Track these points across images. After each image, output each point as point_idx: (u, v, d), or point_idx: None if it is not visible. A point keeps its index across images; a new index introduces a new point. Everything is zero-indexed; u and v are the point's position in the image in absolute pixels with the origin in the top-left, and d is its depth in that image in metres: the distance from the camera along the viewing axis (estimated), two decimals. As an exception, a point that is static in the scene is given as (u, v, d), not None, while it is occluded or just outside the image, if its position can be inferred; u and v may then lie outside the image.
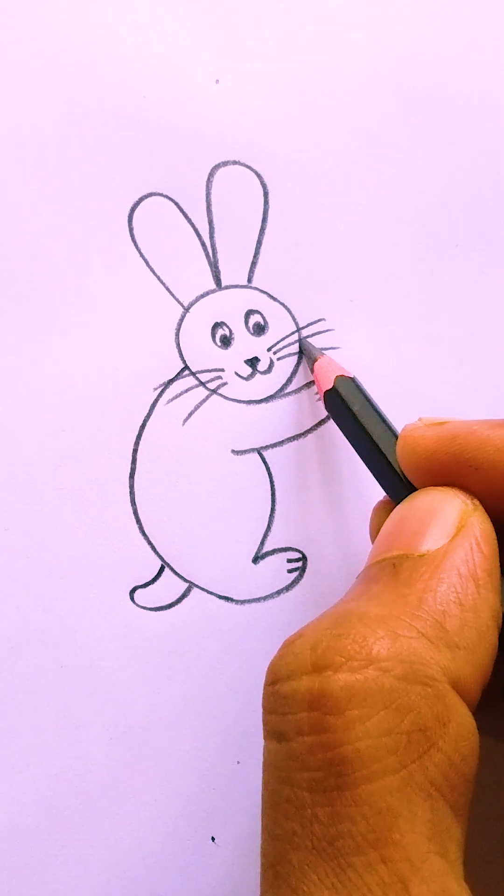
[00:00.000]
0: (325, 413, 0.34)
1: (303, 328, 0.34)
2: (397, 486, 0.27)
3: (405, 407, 0.35)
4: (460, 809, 0.21)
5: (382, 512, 0.29)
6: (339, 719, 0.20)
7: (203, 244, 0.34)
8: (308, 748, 0.21)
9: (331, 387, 0.31)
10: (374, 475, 0.29)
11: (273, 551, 0.33)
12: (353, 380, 0.31)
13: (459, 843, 0.21)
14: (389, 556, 0.24)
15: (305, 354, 0.34)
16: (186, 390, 0.33)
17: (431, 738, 0.21)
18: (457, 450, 0.25)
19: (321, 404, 0.34)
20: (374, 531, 0.29)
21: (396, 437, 0.28)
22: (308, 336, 0.34)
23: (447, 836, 0.20)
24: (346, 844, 0.20)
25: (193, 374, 0.33)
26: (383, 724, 0.20)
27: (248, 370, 0.34)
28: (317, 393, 0.33)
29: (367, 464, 0.30)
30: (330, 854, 0.20)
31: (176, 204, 0.33)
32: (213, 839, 0.32)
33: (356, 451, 0.30)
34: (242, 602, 0.33)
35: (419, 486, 0.26)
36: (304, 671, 0.21)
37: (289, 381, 0.34)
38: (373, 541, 0.30)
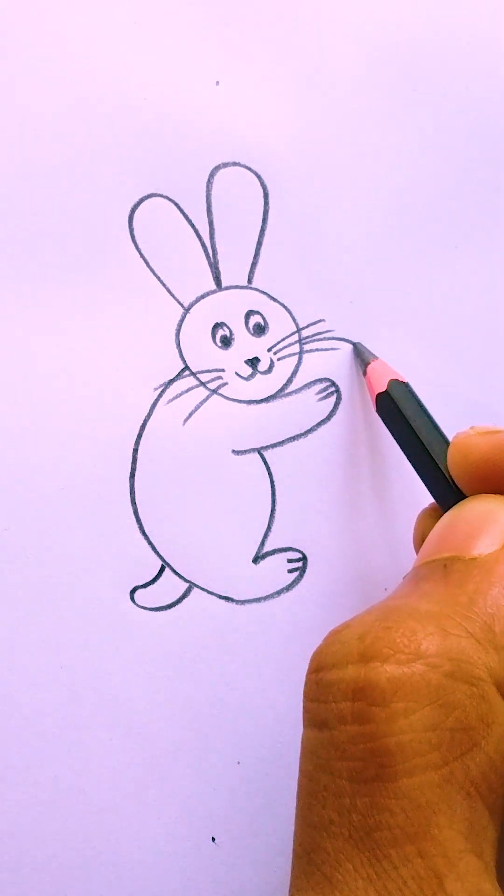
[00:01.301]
0: (325, 413, 0.34)
1: (303, 328, 0.34)
2: (447, 492, 0.27)
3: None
4: (497, 811, 0.21)
5: (429, 518, 0.29)
6: (383, 710, 0.20)
7: (203, 245, 0.34)
8: (350, 737, 0.21)
9: (384, 390, 0.31)
10: (423, 480, 0.29)
11: (273, 551, 0.33)
12: (406, 385, 0.32)
13: (494, 845, 0.21)
14: (440, 557, 0.24)
15: (358, 357, 0.34)
16: (187, 390, 0.33)
17: (474, 737, 0.21)
18: None
19: (321, 404, 0.34)
20: (419, 537, 0.30)
21: (447, 443, 0.28)
22: (307, 337, 0.34)
23: (483, 836, 0.20)
24: (384, 836, 0.20)
25: (194, 374, 0.33)
26: (428, 720, 0.20)
27: (248, 370, 0.34)
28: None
29: (416, 468, 0.30)
30: (367, 844, 0.20)
31: (176, 205, 0.34)
32: (213, 839, 0.32)
33: (406, 455, 0.31)
34: (242, 602, 0.33)
35: (469, 494, 0.26)
36: (351, 660, 0.21)
37: (289, 381, 0.34)
38: (416, 546, 0.30)
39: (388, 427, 0.32)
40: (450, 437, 0.28)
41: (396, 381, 0.31)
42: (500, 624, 0.22)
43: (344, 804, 0.20)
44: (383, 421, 0.32)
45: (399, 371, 0.34)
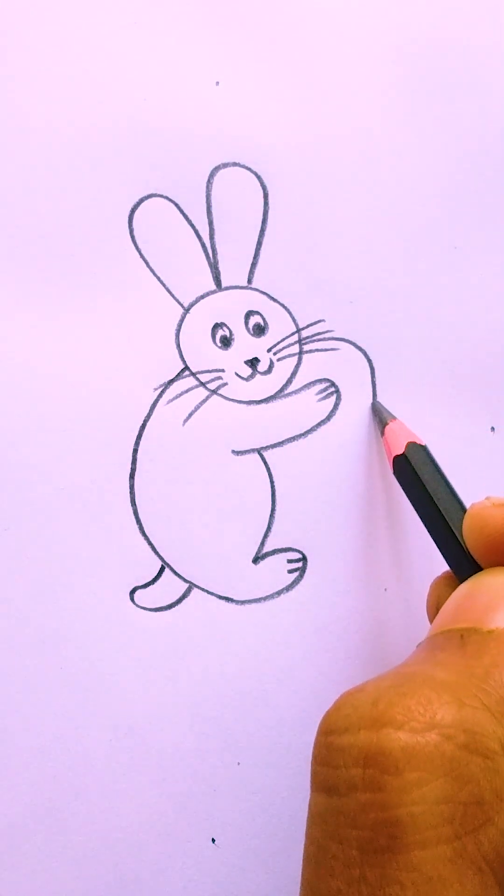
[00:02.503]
0: (325, 414, 0.34)
1: (302, 329, 0.34)
2: (463, 562, 0.27)
3: (406, 407, 0.35)
4: None
5: (444, 586, 0.29)
6: (396, 780, 0.20)
7: (203, 245, 0.34)
8: (361, 806, 0.20)
9: (401, 452, 0.32)
10: (438, 547, 0.29)
11: (273, 551, 0.33)
12: (424, 448, 0.32)
13: None
14: (457, 627, 0.24)
15: (376, 415, 0.34)
16: (186, 391, 0.33)
17: (488, 812, 0.20)
18: None
19: (321, 405, 0.34)
20: (434, 604, 0.30)
21: (464, 511, 0.28)
22: (307, 337, 0.34)
23: None
24: None
25: (193, 374, 0.33)
26: (441, 792, 0.20)
27: (248, 371, 0.34)
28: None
29: (431, 534, 0.30)
30: None
31: (176, 205, 0.34)
32: (213, 840, 0.32)
33: (422, 519, 0.31)
34: (242, 602, 0.33)
35: (485, 565, 0.26)
36: (363, 725, 0.21)
37: (289, 381, 0.34)
38: (430, 613, 0.30)
39: (404, 490, 0.32)
40: (466, 501, 0.29)
41: (414, 444, 0.32)
42: None
43: (353, 875, 0.20)
44: (400, 483, 0.32)
45: (398, 370, 0.34)
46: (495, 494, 0.27)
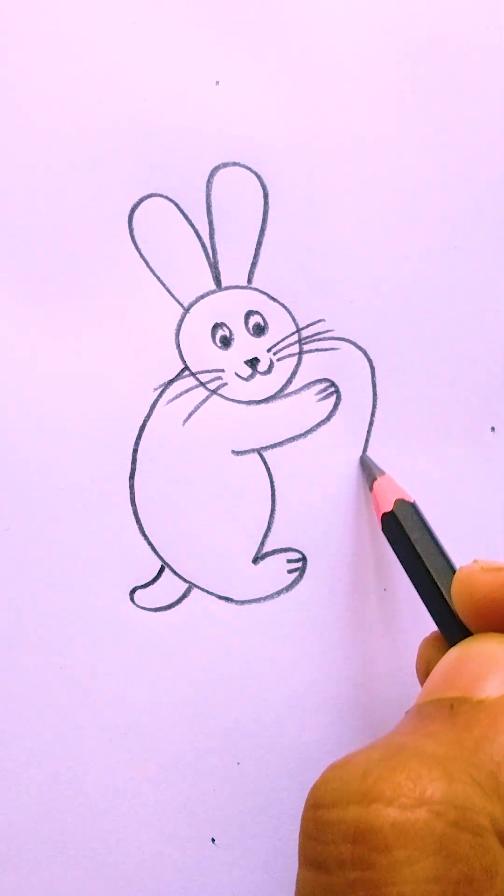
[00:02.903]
0: (324, 414, 0.34)
1: (303, 329, 0.34)
2: (452, 626, 0.27)
3: (406, 407, 0.35)
4: None
5: (432, 648, 0.29)
6: (385, 857, 0.20)
7: (203, 245, 0.34)
8: (349, 884, 0.20)
9: (389, 510, 0.31)
10: (427, 608, 0.29)
11: (273, 552, 0.33)
12: (412, 505, 0.31)
13: None
14: (446, 696, 0.23)
15: (364, 470, 0.34)
16: (186, 391, 0.33)
17: (478, 890, 0.20)
18: None
19: (321, 405, 0.34)
20: (423, 665, 0.29)
21: (454, 572, 0.28)
22: (307, 337, 0.34)
23: None
24: None
25: (193, 374, 0.33)
26: (431, 870, 0.20)
27: (248, 371, 0.34)
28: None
29: (420, 595, 0.30)
30: None
31: (176, 205, 0.33)
32: (213, 840, 0.32)
33: (410, 579, 0.30)
34: (242, 602, 0.33)
35: (474, 629, 0.26)
36: (352, 800, 0.21)
37: (289, 381, 0.34)
38: (419, 674, 0.29)
39: (392, 547, 0.32)
40: (455, 563, 0.28)
41: (402, 501, 0.31)
42: None
43: None
44: (388, 541, 0.32)
45: (398, 370, 0.34)
46: (483, 558, 0.26)
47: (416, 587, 0.30)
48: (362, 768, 0.21)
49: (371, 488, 0.33)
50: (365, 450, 0.34)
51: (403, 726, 0.24)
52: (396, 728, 0.24)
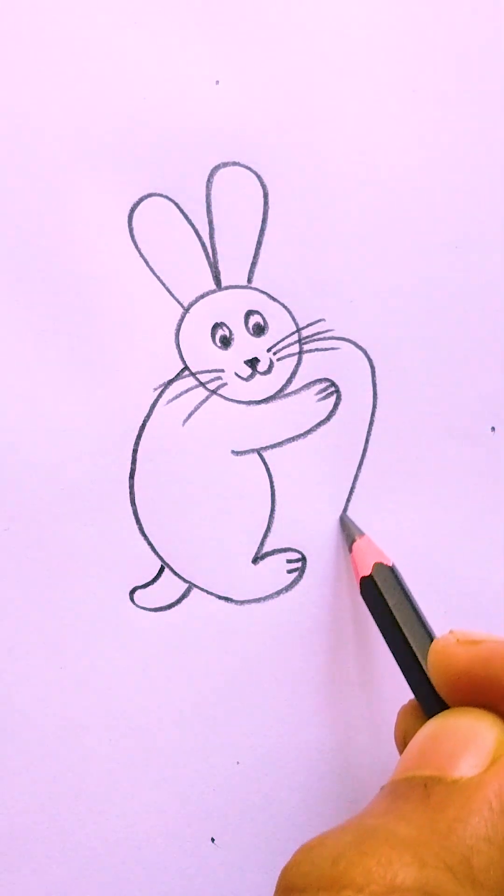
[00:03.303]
0: (324, 414, 0.34)
1: (303, 328, 0.34)
2: (430, 698, 0.26)
3: (406, 406, 0.35)
4: None
5: (410, 717, 0.28)
6: None
7: (203, 244, 0.34)
8: None
9: (368, 573, 0.31)
10: (404, 676, 0.29)
11: (273, 552, 0.33)
12: (391, 569, 0.31)
13: None
14: (420, 774, 0.23)
15: (344, 530, 0.33)
16: (186, 391, 0.33)
17: None
18: (492, 675, 0.24)
19: (321, 405, 0.34)
20: (401, 735, 0.29)
21: (432, 639, 0.27)
22: (307, 337, 0.34)
23: None
24: None
25: (193, 374, 0.33)
26: None
27: (247, 371, 0.34)
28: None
29: (398, 662, 0.29)
30: None
31: (176, 204, 0.33)
32: (212, 840, 0.32)
33: (389, 646, 0.30)
34: (242, 602, 0.33)
35: (451, 703, 0.26)
36: (322, 886, 0.20)
37: (289, 381, 0.34)
38: (397, 743, 0.29)
39: (371, 612, 0.31)
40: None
41: (381, 564, 0.31)
42: (478, 858, 0.21)
43: None
44: (367, 605, 0.31)
45: (398, 370, 0.34)
46: (459, 629, 0.26)
47: (393, 655, 0.29)
48: (333, 852, 0.21)
49: (350, 549, 0.33)
50: (364, 452, 0.34)
51: (377, 806, 0.23)
52: (370, 807, 0.23)
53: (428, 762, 0.23)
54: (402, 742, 0.28)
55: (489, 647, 0.25)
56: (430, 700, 0.26)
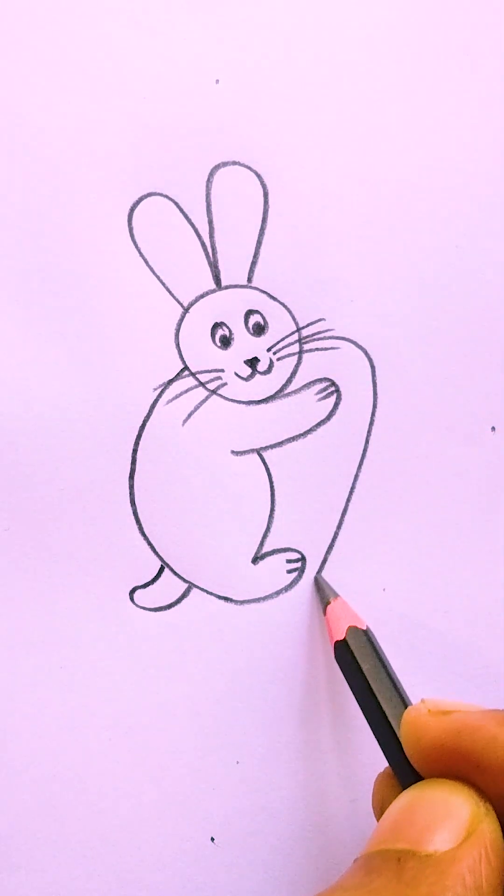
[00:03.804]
0: (325, 413, 0.34)
1: (303, 328, 0.34)
2: (404, 767, 0.26)
3: (406, 406, 0.35)
4: None
5: (386, 786, 0.28)
6: None
7: (203, 244, 0.34)
8: None
9: (342, 638, 0.31)
10: (378, 742, 0.28)
11: (273, 552, 0.33)
12: (365, 633, 0.31)
13: None
14: (394, 848, 0.23)
15: (318, 592, 0.33)
16: (186, 391, 0.33)
17: None
18: (464, 747, 0.24)
19: (321, 404, 0.34)
20: (378, 803, 0.29)
21: (407, 706, 0.27)
22: (307, 336, 0.34)
23: None
24: None
25: (193, 374, 0.33)
26: None
27: (247, 370, 0.34)
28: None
29: (373, 730, 0.29)
30: None
31: (176, 204, 0.33)
32: (212, 839, 0.32)
33: (362, 711, 0.30)
34: (242, 602, 0.33)
35: (425, 774, 0.25)
36: None
37: (289, 381, 0.34)
38: (375, 811, 0.29)
39: (345, 677, 0.31)
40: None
41: (355, 628, 0.31)
42: None
43: None
44: (341, 669, 0.31)
45: (397, 369, 0.34)
46: (431, 698, 0.26)
47: (368, 721, 0.29)
48: None
49: (324, 612, 0.32)
50: (364, 452, 0.34)
51: (349, 879, 0.23)
52: (343, 880, 0.23)
53: (401, 835, 0.23)
54: (380, 810, 0.28)
55: (459, 719, 0.24)
56: (404, 770, 0.26)
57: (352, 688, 0.30)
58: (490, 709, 0.25)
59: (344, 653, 0.31)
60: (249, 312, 0.34)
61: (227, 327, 0.34)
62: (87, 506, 0.32)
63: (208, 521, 0.33)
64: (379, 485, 0.34)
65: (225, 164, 0.34)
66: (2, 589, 0.32)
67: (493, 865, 0.22)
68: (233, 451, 0.33)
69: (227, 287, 0.34)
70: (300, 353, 0.34)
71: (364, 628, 0.31)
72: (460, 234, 0.35)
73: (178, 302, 0.33)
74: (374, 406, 0.34)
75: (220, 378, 0.33)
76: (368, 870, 0.23)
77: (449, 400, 0.35)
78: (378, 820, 0.27)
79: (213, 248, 0.34)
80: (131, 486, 0.33)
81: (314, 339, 0.34)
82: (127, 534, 0.33)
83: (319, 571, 0.34)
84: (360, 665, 0.30)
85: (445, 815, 0.23)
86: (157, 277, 0.33)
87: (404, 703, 0.28)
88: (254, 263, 0.34)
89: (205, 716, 0.32)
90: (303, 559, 0.33)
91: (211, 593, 0.33)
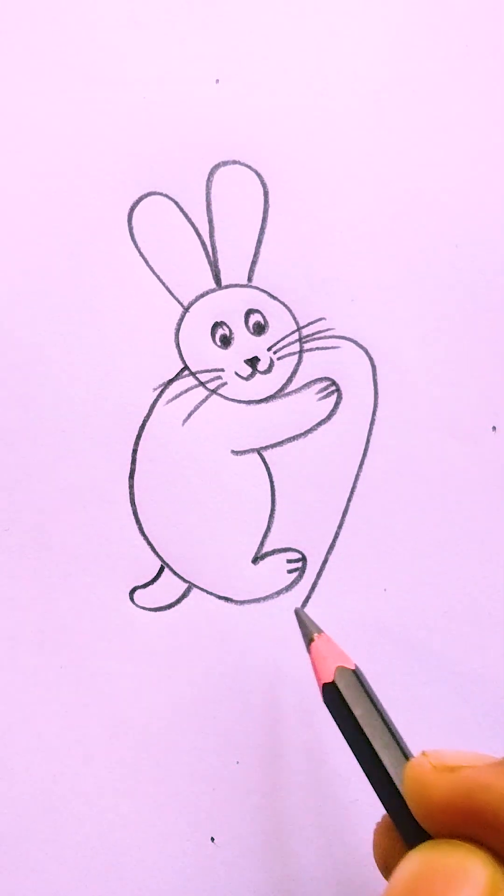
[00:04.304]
0: (325, 413, 0.34)
1: (303, 327, 0.34)
2: (408, 823, 0.24)
3: (407, 406, 0.34)
4: None
5: (387, 838, 0.26)
6: None
7: (203, 243, 0.34)
8: None
9: (330, 680, 0.28)
10: (374, 790, 0.26)
11: (273, 551, 0.33)
12: (354, 672, 0.28)
13: None
14: None
15: (301, 626, 0.31)
16: (186, 390, 0.33)
17: None
18: (476, 807, 0.22)
19: (321, 404, 0.34)
20: (381, 855, 0.27)
21: (406, 757, 0.25)
22: (308, 336, 0.34)
23: None
24: None
25: (193, 374, 0.33)
26: None
27: (247, 370, 0.34)
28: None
29: (367, 776, 0.26)
30: None
31: (176, 203, 0.33)
32: (212, 839, 0.32)
33: (357, 758, 0.27)
34: (242, 602, 0.33)
35: (433, 833, 0.23)
36: None
37: (289, 380, 0.34)
38: (378, 862, 0.27)
39: (336, 721, 0.28)
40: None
41: (343, 668, 0.29)
42: None
43: None
44: (330, 713, 0.28)
45: (398, 369, 0.34)
46: (432, 750, 0.24)
47: (363, 769, 0.27)
48: None
49: (308, 648, 0.30)
50: (365, 452, 0.34)
51: None
52: None
53: None
54: (383, 863, 0.27)
55: (470, 777, 0.23)
56: (408, 826, 0.24)
57: (343, 733, 0.28)
58: (498, 759, 0.23)
59: (334, 697, 0.28)
60: (250, 312, 0.34)
61: (228, 327, 0.34)
62: (87, 506, 0.32)
63: (208, 521, 0.33)
64: (379, 485, 0.34)
65: (225, 163, 0.34)
66: (2, 589, 0.32)
67: None
68: (233, 451, 0.33)
69: (227, 286, 0.34)
70: (300, 352, 0.34)
71: (352, 668, 0.29)
72: (460, 233, 0.35)
73: (178, 301, 0.33)
74: (375, 405, 0.34)
75: (220, 378, 0.33)
76: None
77: (450, 399, 0.35)
78: (384, 875, 0.26)
79: (214, 248, 0.34)
80: (131, 486, 0.33)
81: (314, 339, 0.34)
82: (127, 534, 0.33)
83: (319, 572, 0.34)
84: (351, 710, 0.27)
85: (464, 882, 0.21)
86: (157, 277, 0.33)
87: (403, 752, 0.26)
88: (254, 263, 0.34)
89: (205, 716, 0.32)
90: (303, 559, 0.33)
91: (211, 593, 0.33)
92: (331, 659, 0.29)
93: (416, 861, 0.23)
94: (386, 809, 0.26)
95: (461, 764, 0.23)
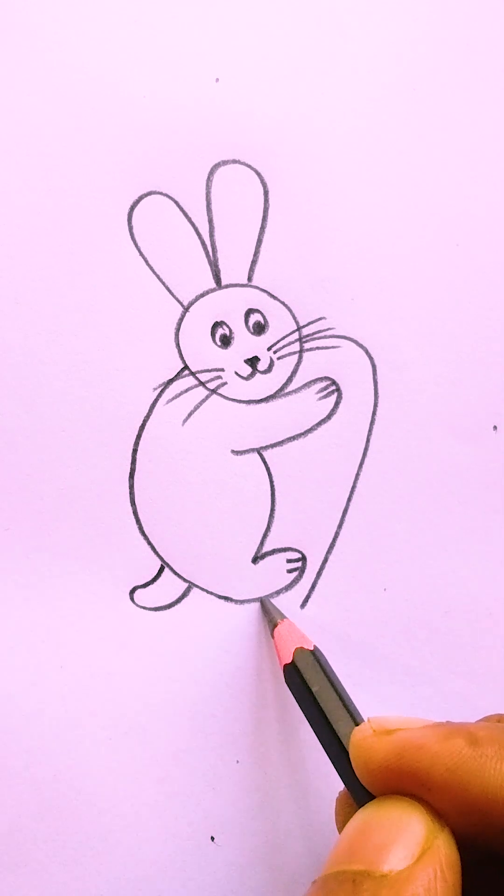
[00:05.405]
0: (325, 413, 0.34)
1: (303, 327, 0.34)
2: (357, 787, 0.25)
3: (407, 405, 0.34)
4: None
5: (345, 805, 0.28)
6: None
7: (203, 243, 0.33)
8: None
9: (290, 661, 0.30)
10: (332, 763, 0.28)
11: (273, 551, 0.33)
12: (312, 653, 0.30)
13: None
14: (349, 869, 0.23)
15: (265, 615, 0.33)
16: (186, 390, 0.33)
17: None
18: (408, 766, 0.24)
19: (321, 404, 0.34)
20: (341, 823, 0.28)
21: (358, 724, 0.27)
22: (308, 335, 0.34)
23: None
24: None
25: (193, 373, 0.33)
26: None
27: (247, 370, 0.33)
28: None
29: (325, 749, 0.28)
30: None
31: (176, 203, 0.33)
32: (212, 839, 0.32)
33: (315, 732, 0.29)
34: (242, 602, 0.33)
35: (377, 793, 0.25)
36: None
37: (289, 380, 0.34)
38: (339, 827, 0.29)
39: (296, 700, 0.30)
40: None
41: (302, 650, 0.30)
42: None
43: None
44: (293, 694, 0.30)
45: (398, 369, 0.34)
46: (377, 716, 0.25)
47: (321, 743, 0.28)
48: None
49: (272, 635, 0.32)
50: (365, 452, 0.34)
51: None
52: None
53: (356, 856, 0.23)
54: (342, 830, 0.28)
55: (402, 738, 0.24)
56: (357, 790, 0.25)
57: (303, 710, 0.29)
58: (434, 723, 0.24)
59: (293, 676, 0.30)
60: (250, 311, 0.34)
61: (228, 326, 0.34)
62: (87, 506, 0.32)
63: (208, 520, 0.33)
64: (379, 484, 0.34)
65: (225, 162, 0.33)
66: (2, 589, 0.32)
67: (448, 882, 0.22)
68: (233, 451, 0.33)
69: (227, 286, 0.34)
70: (300, 352, 0.34)
71: (311, 648, 0.30)
72: (461, 232, 0.35)
73: (178, 301, 0.33)
74: (375, 405, 0.34)
75: (220, 377, 0.33)
76: (325, 892, 0.23)
77: (450, 399, 0.35)
78: None
79: (214, 247, 0.33)
80: (131, 486, 0.33)
81: (314, 338, 0.34)
82: (127, 534, 0.32)
83: (319, 571, 0.34)
84: (309, 687, 0.29)
85: (399, 833, 0.23)
86: (157, 276, 0.33)
87: (355, 722, 0.28)
88: (254, 262, 0.34)
89: (204, 715, 0.32)
90: (303, 559, 0.33)
91: (211, 593, 0.33)
92: (291, 642, 0.30)
93: (359, 818, 0.24)
94: (340, 777, 0.27)
95: (399, 727, 0.24)
